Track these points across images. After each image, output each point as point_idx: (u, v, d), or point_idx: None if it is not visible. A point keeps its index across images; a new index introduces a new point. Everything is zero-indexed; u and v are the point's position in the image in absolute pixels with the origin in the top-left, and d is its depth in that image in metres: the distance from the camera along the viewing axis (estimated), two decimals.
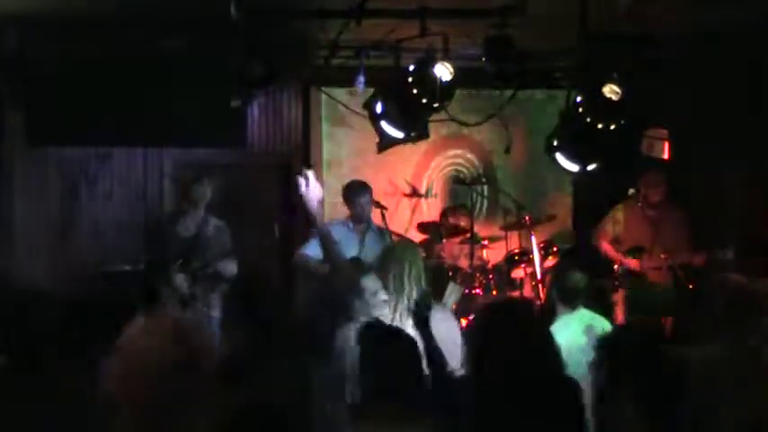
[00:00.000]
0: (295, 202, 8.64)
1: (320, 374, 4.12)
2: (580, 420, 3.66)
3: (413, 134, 6.92)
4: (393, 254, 5.43)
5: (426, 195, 8.75)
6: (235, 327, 4.73)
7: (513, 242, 8.13)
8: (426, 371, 4.66)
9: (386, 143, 7.07)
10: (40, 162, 8.18)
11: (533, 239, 7.80)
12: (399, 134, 6.86)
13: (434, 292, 7.20)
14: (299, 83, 8.56)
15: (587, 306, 5.70)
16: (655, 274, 7.64)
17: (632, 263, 7.70)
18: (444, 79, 6.41)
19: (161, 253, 7.16)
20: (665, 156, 7.23)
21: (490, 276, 7.79)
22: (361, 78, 7.05)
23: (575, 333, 5.38)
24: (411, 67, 6.55)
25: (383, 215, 7.39)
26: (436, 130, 7.42)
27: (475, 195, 7.86)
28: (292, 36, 7.35)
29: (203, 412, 4.02)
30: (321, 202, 5.50)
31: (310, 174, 5.35)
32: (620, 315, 7.63)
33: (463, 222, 7.93)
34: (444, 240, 7.90)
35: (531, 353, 3.60)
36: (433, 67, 6.40)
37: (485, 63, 6.25)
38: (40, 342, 3.54)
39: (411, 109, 6.63)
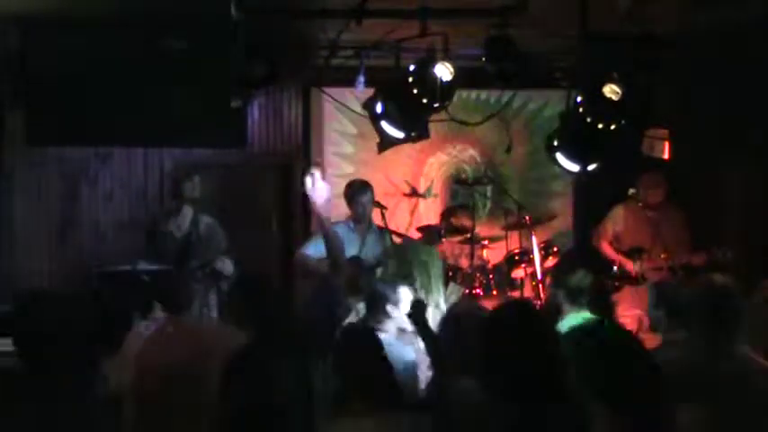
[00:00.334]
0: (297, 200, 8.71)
1: (320, 374, 4.12)
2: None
3: (413, 134, 6.92)
4: (417, 256, 5.47)
5: (426, 195, 8.75)
6: (238, 326, 4.73)
7: (514, 242, 8.13)
8: (427, 373, 4.68)
9: (386, 143, 7.07)
10: (40, 162, 8.18)
11: (533, 239, 7.80)
12: (399, 134, 6.86)
13: None
14: (299, 83, 8.56)
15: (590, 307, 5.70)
16: (654, 274, 7.64)
17: (631, 265, 7.70)
18: (444, 79, 6.40)
19: (156, 254, 7.17)
20: (665, 156, 7.23)
21: (490, 276, 7.78)
22: (361, 78, 7.05)
23: None
24: (411, 67, 6.55)
25: (383, 215, 7.38)
26: (436, 129, 7.42)
27: (476, 195, 7.86)
28: (292, 36, 7.35)
29: (208, 411, 4.04)
30: (327, 202, 5.63)
31: (317, 173, 5.47)
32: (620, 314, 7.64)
33: (466, 223, 7.93)
34: (444, 240, 7.89)
35: (541, 365, 3.52)
36: (433, 67, 6.40)
37: (485, 63, 6.26)
38: (44, 342, 3.54)
39: (411, 109, 6.63)
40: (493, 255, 8.10)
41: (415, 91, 6.45)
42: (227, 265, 7.08)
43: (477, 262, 7.80)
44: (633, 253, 7.75)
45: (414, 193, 8.47)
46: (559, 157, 6.01)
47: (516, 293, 7.86)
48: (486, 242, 8.05)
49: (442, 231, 7.91)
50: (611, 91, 5.72)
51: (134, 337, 5.35)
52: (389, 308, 5.19)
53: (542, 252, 7.85)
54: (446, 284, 7.17)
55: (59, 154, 8.22)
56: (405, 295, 5.22)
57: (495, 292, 7.73)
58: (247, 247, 7.78)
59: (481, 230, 8.01)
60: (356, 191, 7.22)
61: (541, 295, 7.63)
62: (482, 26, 6.26)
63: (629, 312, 7.66)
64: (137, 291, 6.97)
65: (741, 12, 6.71)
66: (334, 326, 5.03)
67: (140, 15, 6.95)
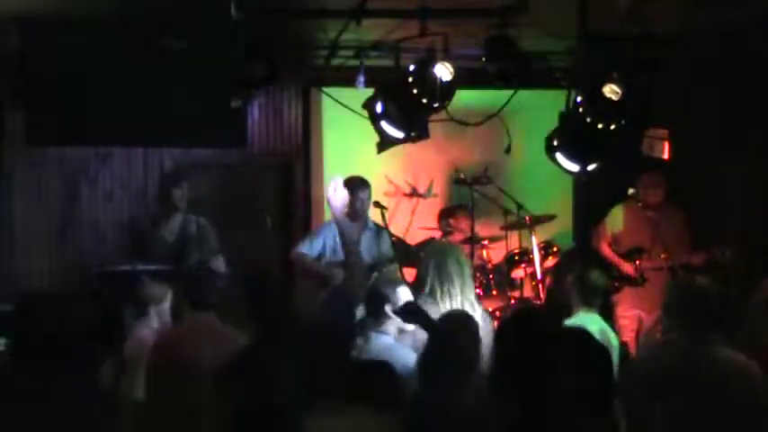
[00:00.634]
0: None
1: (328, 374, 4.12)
2: None
3: (413, 134, 6.92)
4: (454, 257, 5.51)
5: (426, 195, 8.74)
6: (237, 325, 4.73)
7: (513, 242, 8.13)
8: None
9: (386, 143, 7.07)
10: (40, 162, 8.18)
11: (533, 239, 7.80)
12: (399, 134, 6.86)
13: None
14: (299, 83, 8.56)
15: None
16: (654, 274, 7.64)
17: (629, 267, 7.70)
18: (444, 79, 6.41)
19: (149, 257, 7.17)
20: (665, 156, 7.23)
21: (490, 276, 7.79)
22: (361, 78, 7.05)
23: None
24: (411, 67, 6.55)
25: (383, 215, 7.38)
26: (436, 129, 7.42)
27: (475, 195, 7.85)
28: (292, 36, 7.35)
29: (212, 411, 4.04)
30: (345, 207, 5.95)
31: (340, 180, 5.82)
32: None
33: (463, 224, 7.93)
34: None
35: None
36: (433, 67, 6.40)
37: (485, 63, 6.26)
38: (43, 342, 3.54)
39: (411, 109, 6.63)
40: (493, 255, 8.10)
41: (415, 91, 6.45)
42: (220, 264, 7.08)
43: (476, 262, 7.80)
44: (633, 253, 7.74)
45: (414, 193, 8.47)
46: (559, 157, 6.01)
47: (516, 293, 7.86)
48: (485, 242, 8.05)
49: (441, 232, 7.92)
50: (611, 91, 5.72)
51: (135, 340, 5.35)
52: (388, 308, 5.20)
53: (542, 252, 7.86)
54: None
55: (59, 154, 8.22)
56: (404, 295, 5.23)
57: (495, 292, 7.73)
58: (247, 248, 7.79)
59: (481, 230, 8.01)
60: (355, 186, 7.20)
61: (541, 295, 7.63)
62: (482, 26, 6.26)
63: (629, 313, 7.67)
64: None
65: (741, 12, 6.70)
66: (352, 328, 5.06)
67: (140, 15, 6.95)
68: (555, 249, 8.00)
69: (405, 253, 7.38)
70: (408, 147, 7.36)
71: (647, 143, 7.09)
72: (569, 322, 5.63)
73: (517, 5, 6.03)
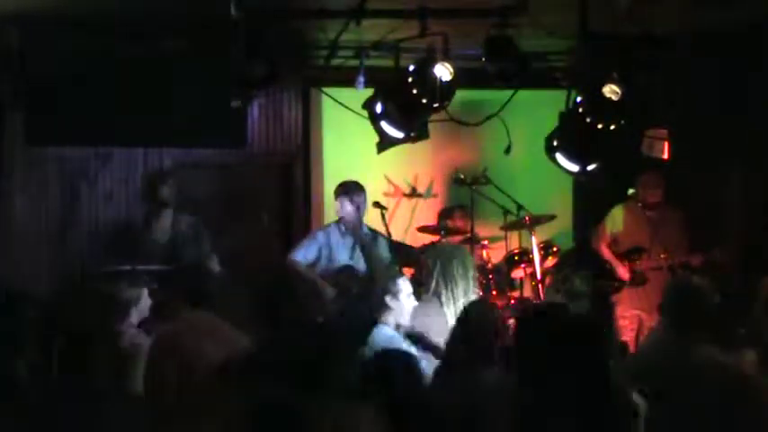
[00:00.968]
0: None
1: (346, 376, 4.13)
2: None
3: (413, 134, 6.92)
4: (460, 259, 5.53)
5: (426, 195, 8.74)
6: (258, 326, 4.73)
7: (513, 242, 8.12)
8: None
9: (386, 143, 7.07)
10: (40, 162, 8.18)
11: (533, 239, 7.80)
12: (399, 134, 6.86)
13: None
14: (299, 83, 8.55)
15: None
16: (654, 274, 7.64)
17: (625, 271, 7.70)
18: (444, 79, 6.40)
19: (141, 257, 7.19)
20: (665, 156, 7.23)
21: (490, 276, 7.78)
22: (361, 78, 7.05)
23: None
24: (411, 67, 6.55)
25: (383, 215, 7.38)
26: (436, 129, 7.42)
27: (475, 195, 7.85)
28: (292, 36, 7.35)
29: (223, 410, 4.04)
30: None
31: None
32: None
33: (461, 224, 7.93)
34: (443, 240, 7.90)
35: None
36: (433, 67, 6.40)
37: (485, 63, 6.25)
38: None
39: (411, 109, 6.63)
40: (493, 255, 8.10)
41: (415, 91, 6.45)
42: (214, 264, 7.08)
43: (476, 262, 7.80)
44: (632, 253, 7.74)
45: (413, 193, 8.46)
46: (559, 157, 6.01)
47: (516, 293, 7.86)
48: (485, 242, 8.05)
49: (441, 232, 7.92)
50: (610, 91, 5.72)
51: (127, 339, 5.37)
52: (389, 299, 5.22)
53: (542, 252, 7.85)
54: None
55: (59, 154, 8.22)
56: (404, 286, 5.26)
57: (494, 293, 7.73)
58: (247, 248, 7.79)
59: (481, 230, 8.00)
60: (350, 190, 7.20)
61: (541, 295, 7.63)
62: (482, 26, 6.26)
63: (629, 313, 7.67)
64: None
65: (741, 12, 6.71)
66: (370, 329, 5.09)
67: (140, 15, 6.95)
68: (555, 249, 8.00)
69: (405, 255, 7.38)
70: (408, 147, 7.36)
71: (647, 143, 7.10)
72: None
73: (517, 5, 6.03)
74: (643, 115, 6.57)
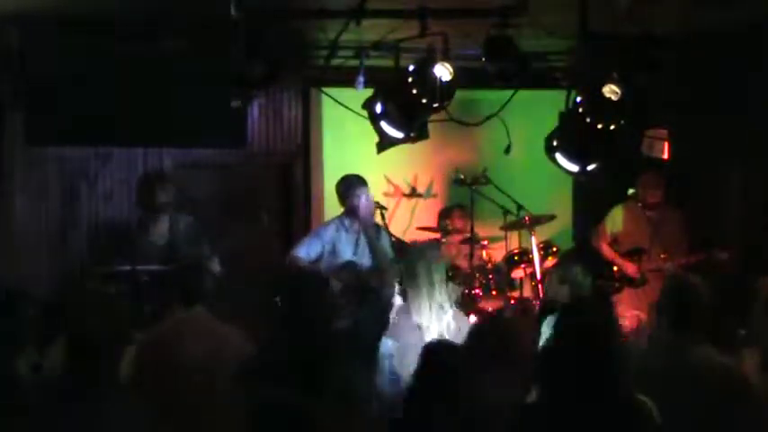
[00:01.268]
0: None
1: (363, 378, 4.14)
2: None
3: (413, 134, 6.92)
4: (421, 258, 5.53)
5: (426, 195, 8.74)
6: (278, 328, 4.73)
7: (513, 242, 8.13)
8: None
9: (386, 143, 7.07)
10: (40, 162, 8.17)
11: (533, 239, 7.80)
12: (399, 134, 6.86)
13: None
14: (299, 83, 8.55)
15: None
16: (654, 275, 7.64)
17: (629, 267, 7.70)
18: (444, 79, 6.40)
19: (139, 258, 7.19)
20: (665, 156, 7.23)
21: (490, 276, 7.78)
22: (361, 78, 7.05)
23: None
24: (411, 67, 6.55)
25: (383, 215, 7.39)
26: (436, 129, 7.42)
27: (475, 195, 7.85)
28: (292, 36, 7.34)
29: (232, 408, 4.04)
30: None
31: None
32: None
33: (459, 224, 7.93)
34: (444, 240, 7.90)
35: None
36: (433, 67, 6.40)
37: (485, 63, 6.25)
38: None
39: (411, 109, 6.63)
40: (493, 255, 8.10)
41: (415, 91, 6.45)
42: (214, 264, 7.08)
43: (476, 262, 7.81)
44: (632, 253, 7.75)
45: (413, 193, 8.46)
46: (559, 157, 6.01)
47: (516, 293, 7.86)
48: (485, 242, 8.05)
49: (441, 232, 7.92)
50: (610, 91, 5.72)
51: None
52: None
53: (542, 252, 7.85)
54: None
55: (59, 154, 8.21)
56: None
57: (494, 293, 7.73)
58: (247, 247, 7.78)
59: (480, 230, 8.01)
60: (351, 185, 7.18)
61: (541, 295, 7.63)
62: (482, 26, 6.26)
63: (629, 313, 7.66)
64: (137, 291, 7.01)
65: (741, 12, 6.70)
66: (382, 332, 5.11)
67: (140, 15, 6.94)
68: (555, 249, 8.00)
69: (403, 253, 7.38)
70: (408, 147, 7.36)
71: (647, 143, 7.10)
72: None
73: (517, 5, 6.02)
74: (643, 115, 6.57)
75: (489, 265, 7.91)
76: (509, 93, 6.80)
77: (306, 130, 8.75)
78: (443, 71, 6.40)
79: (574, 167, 6.02)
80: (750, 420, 4.08)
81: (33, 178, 8.17)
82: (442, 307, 5.42)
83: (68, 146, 8.17)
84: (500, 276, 7.85)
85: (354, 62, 7.29)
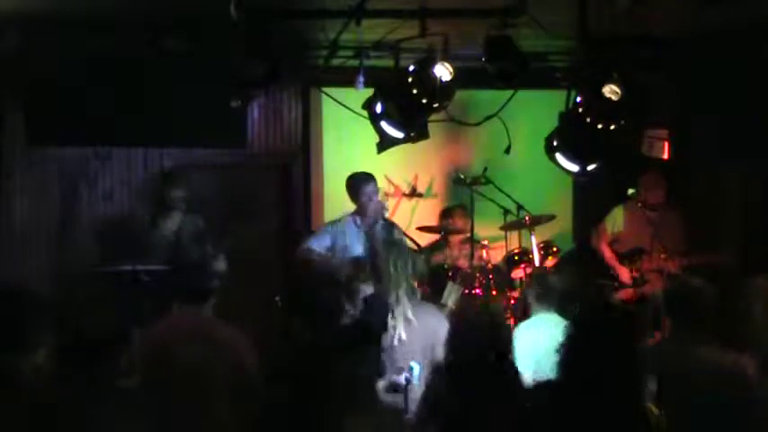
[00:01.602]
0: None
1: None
2: None
3: (413, 134, 6.92)
4: (385, 250, 5.53)
5: (426, 195, 8.74)
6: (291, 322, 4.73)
7: (513, 242, 8.13)
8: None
9: (386, 143, 7.07)
10: (40, 162, 8.18)
11: (533, 239, 7.80)
12: (399, 134, 6.86)
13: (434, 291, 7.23)
14: (299, 83, 8.55)
15: (564, 310, 5.73)
16: (654, 275, 7.64)
17: (625, 272, 7.70)
18: (444, 79, 6.40)
19: (148, 256, 7.19)
20: (665, 156, 7.23)
21: (490, 276, 7.78)
22: (361, 78, 7.05)
23: (544, 334, 5.35)
24: (411, 67, 6.55)
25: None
26: (436, 129, 7.41)
27: (475, 195, 7.85)
28: (292, 36, 7.35)
29: (236, 405, 4.04)
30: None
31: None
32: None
33: (460, 224, 7.93)
34: (445, 239, 7.90)
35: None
36: (433, 67, 6.40)
37: (485, 63, 6.25)
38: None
39: (411, 109, 6.63)
40: (493, 255, 8.10)
41: (415, 91, 6.45)
42: (220, 263, 7.07)
43: (476, 262, 7.80)
44: (633, 254, 7.74)
45: (414, 193, 8.46)
46: (559, 157, 6.00)
47: (516, 293, 7.86)
48: (485, 242, 8.05)
49: (441, 231, 7.92)
50: (610, 91, 5.71)
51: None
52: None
53: (542, 252, 7.86)
54: (435, 285, 7.20)
55: (59, 154, 8.22)
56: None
57: (494, 293, 7.73)
58: (247, 247, 7.79)
59: (481, 230, 8.01)
60: (360, 181, 7.18)
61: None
62: (482, 26, 6.26)
63: None
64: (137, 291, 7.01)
65: (741, 12, 6.70)
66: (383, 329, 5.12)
67: (140, 15, 6.94)
68: (555, 249, 8.00)
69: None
70: (408, 147, 7.36)
71: (647, 143, 7.10)
72: (528, 322, 5.68)
73: (517, 5, 6.02)
74: (643, 115, 6.57)
75: (489, 266, 7.91)
76: (509, 93, 6.80)
77: (306, 130, 8.75)
78: (443, 71, 6.40)
79: (574, 167, 6.01)
80: (755, 421, 4.09)
81: (33, 178, 8.18)
82: (398, 299, 5.39)
83: (68, 146, 8.17)
84: (500, 276, 7.85)
85: (354, 62, 7.29)
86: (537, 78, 6.83)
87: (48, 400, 3.53)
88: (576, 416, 3.56)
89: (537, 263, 7.73)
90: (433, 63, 6.40)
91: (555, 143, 5.96)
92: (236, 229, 7.76)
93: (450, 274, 7.64)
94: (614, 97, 5.68)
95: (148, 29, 7.23)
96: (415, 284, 5.47)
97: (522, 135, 7.58)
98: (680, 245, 7.69)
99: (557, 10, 6.00)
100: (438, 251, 7.93)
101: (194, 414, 4.46)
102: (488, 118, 6.95)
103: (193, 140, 8.21)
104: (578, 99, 5.84)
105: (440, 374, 4.23)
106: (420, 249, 7.26)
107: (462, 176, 7.99)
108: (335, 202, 7.97)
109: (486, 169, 8.03)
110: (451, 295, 7.07)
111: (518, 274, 7.95)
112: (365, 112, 6.99)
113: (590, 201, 8.70)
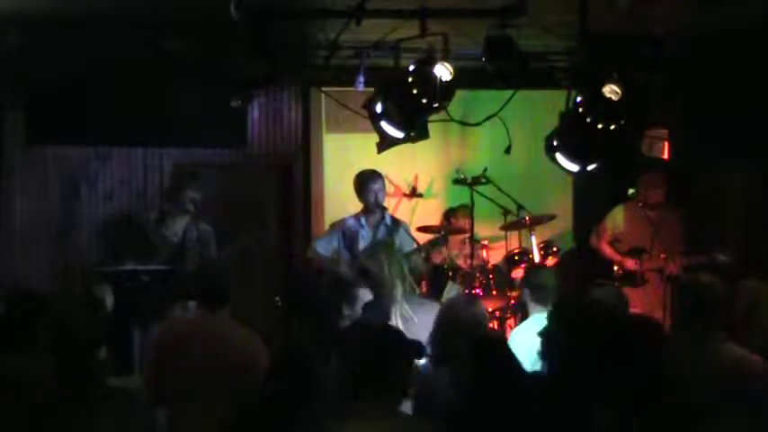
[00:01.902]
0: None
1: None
2: None
3: (413, 134, 6.92)
4: (375, 252, 5.53)
5: (426, 195, 8.74)
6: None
7: (513, 242, 8.13)
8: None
9: (386, 143, 7.07)
10: (40, 162, 8.18)
11: (533, 239, 7.80)
12: (399, 134, 6.86)
13: (434, 291, 7.24)
14: (299, 83, 8.55)
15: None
16: (654, 275, 7.64)
17: (631, 264, 7.70)
18: (444, 79, 6.40)
19: (149, 256, 7.19)
20: (665, 156, 7.23)
21: (490, 276, 7.78)
22: (361, 78, 7.05)
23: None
24: (411, 67, 6.55)
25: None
26: (436, 130, 7.41)
27: (475, 195, 7.85)
28: (292, 36, 7.34)
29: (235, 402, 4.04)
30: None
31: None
32: None
33: (465, 224, 7.93)
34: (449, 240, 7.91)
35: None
36: (433, 67, 6.40)
37: (485, 63, 6.25)
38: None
39: (411, 109, 6.63)
40: (493, 255, 8.10)
41: (415, 91, 6.45)
42: (225, 266, 7.08)
43: (476, 262, 7.80)
44: (633, 253, 7.74)
45: (413, 193, 8.46)
46: (559, 157, 6.00)
47: (516, 293, 7.85)
48: (485, 242, 8.05)
49: (444, 232, 7.92)
50: (611, 91, 5.71)
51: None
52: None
53: (542, 252, 7.85)
54: (435, 285, 7.19)
55: (59, 154, 8.22)
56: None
57: (494, 292, 7.73)
58: (247, 247, 7.79)
59: (481, 230, 8.01)
60: (366, 178, 7.18)
61: None
62: (482, 26, 6.26)
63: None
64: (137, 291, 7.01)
65: (741, 12, 6.70)
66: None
67: (140, 15, 6.94)
68: (555, 249, 8.00)
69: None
70: (408, 147, 7.36)
71: (647, 143, 7.10)
72: (524, 325, 5.67)
73: (517, 5, 6.02)
74: (643, 115, 6.56)
75: (489, 266, 7.91)
76: (509, 93, 6.80)
77: (306, 130, 8.75)
78: (443, 71, 6.40)
79: (574, 167, 6.01)
80: None
81: (33, 178, 8.18)
82: (393, 299, 5.39)
83: (68, 146, 8.17)
84: (500, 276, 7.85)
85: (354, 62, 7.29)
86: (537, 78, 6.84)
87: (47, 400, 3.53)
88: (568, 413, 3.56)
89: (537, 263, 7.72)
90: (433, 63, 6.40)
91: (555, 143, 5.96)
92: (235, 230, 7.76)
93: (450, 273, 7.64)
94: (614, 97, 5.68)
95: (148, 29, 7.23)
96: (414, 283, 5.47)
97: (522, 135, 7.58)
98: (680, 245, 7.69)
99: (557, 10, 6.00)
100: (437, 247, 7.91)
101: (206, 414, 4.46)
102: (488, 118, 6.95)
103: (193, 140, 8.22)
104: (578, 99, 5.84)
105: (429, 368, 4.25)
106: (419, 247, 7.27)
107: (462, 176, 7.98)
108: (335, 202, 7.99)
109: (486, 169, 8.02)
110: (451, 294, 7.07)
111: (518, 274, 7.94)
112: (365, 112, 6.98)
113: (590, 201, 8.70)
